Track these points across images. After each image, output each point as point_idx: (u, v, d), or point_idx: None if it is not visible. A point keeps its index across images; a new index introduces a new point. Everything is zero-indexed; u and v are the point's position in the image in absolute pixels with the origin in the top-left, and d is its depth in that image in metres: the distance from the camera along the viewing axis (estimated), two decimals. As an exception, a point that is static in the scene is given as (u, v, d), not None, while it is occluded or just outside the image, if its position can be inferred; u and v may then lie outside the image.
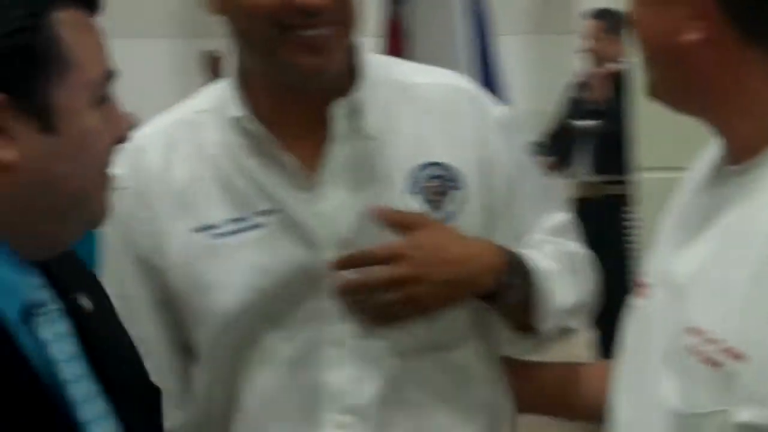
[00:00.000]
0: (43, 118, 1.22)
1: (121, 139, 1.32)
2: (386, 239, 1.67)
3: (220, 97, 1.75)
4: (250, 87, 1.72)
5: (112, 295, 1.67)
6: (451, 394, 1.73)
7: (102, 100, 1.28)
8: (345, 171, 1.70)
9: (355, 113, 1.70)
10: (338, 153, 1.70)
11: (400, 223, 1.68)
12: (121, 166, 1.69)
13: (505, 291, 1.69)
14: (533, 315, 1.72)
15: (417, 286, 1.66)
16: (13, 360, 1.20)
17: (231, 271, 1.67)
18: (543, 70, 8.43)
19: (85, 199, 1.30)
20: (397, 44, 3.55)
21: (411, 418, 1.71)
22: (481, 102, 1.81)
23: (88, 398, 1.28)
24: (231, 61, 1.75)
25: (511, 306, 1.71)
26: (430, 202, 1.72)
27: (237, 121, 1.70)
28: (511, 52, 5.48)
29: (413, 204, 1.71)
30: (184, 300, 1.71)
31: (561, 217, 1.85)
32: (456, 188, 1.73)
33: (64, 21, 1.25)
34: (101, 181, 1.32)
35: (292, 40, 1.61)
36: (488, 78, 3.58)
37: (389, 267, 1.66)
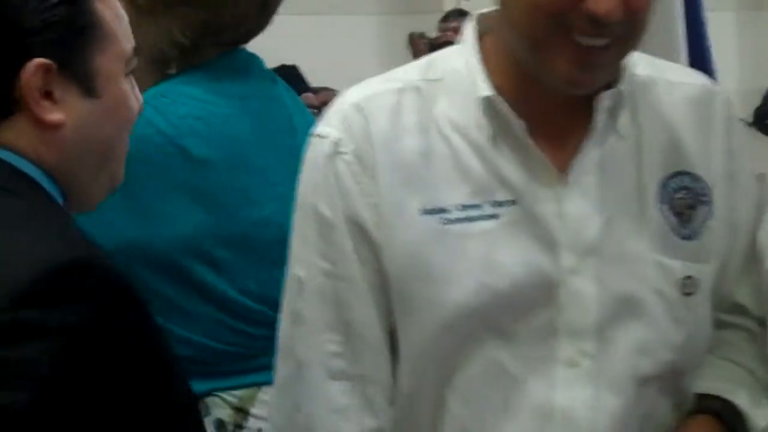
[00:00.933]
0: (86, 84, 1.36)
1: (139, 111, 1.46)
2: (632, 249, 1.54)
3: (455, 69, 1.56)
4: (495, 63, 1.54)
5: (320, 272, 1.55)
6: (669, 426, 1.59)
7: (131, 72, 1.43)
8: (597, 171, 1.53)
9: (615, 108, 1.54)
10: (593, 150, 1.53)
11: None
12: (338, 128, 1.55)
13: None
14: None
15: None
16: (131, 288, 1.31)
17: (461, 263, 1.50)
18: (759, 47, 8.21)
19: (115, 160, 1.44)
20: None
21: None
22: (731, 109, 1.64)
23: None
24: (471, 30, 1.58)
25: None
26: (678, 215, 1.57)
27: (486, 101, 1.51)
28: (725, 29, 5.36)
29: (665, 215, 1.56)
30: (402, 286, 1.52)
31: None
32: (703, 203, 1.58)
33: None
34: (125, 146, 1.46)
35: (567, 44, 1.44)
36: (698, 55, 3.51)
37: None
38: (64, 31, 1.33)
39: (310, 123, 1.77)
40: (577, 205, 1.51)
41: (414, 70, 1.59)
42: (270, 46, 2.37)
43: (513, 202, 1.50)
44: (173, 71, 1.98)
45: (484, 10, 1.58)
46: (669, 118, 1.59)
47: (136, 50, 1.45)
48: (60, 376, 1.16)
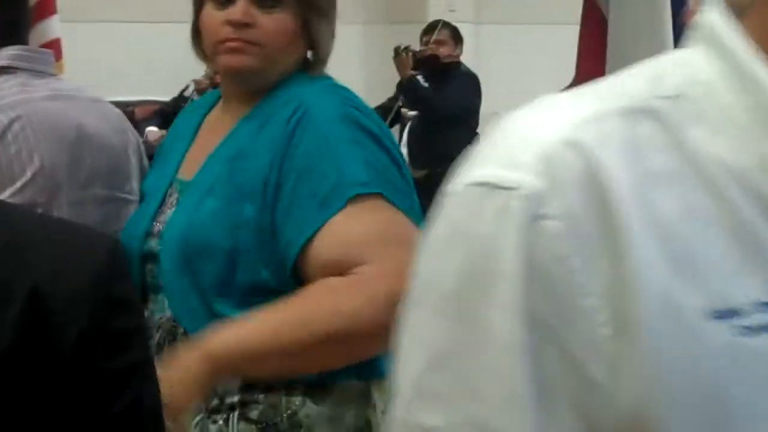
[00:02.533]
0: None
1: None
2: None
3: (704, 80, 0.87)
4: None
5: (471, 425, 0.82)
6: None
7: None
8: None
9: None
10: None
11: None
12: (534, 173, 0.81)
13: None
14: None
15: None
16: None
17: None
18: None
19: None
20: (595, 33, 3.11)
21: None
22: None
23: None
24: (719, 16, 0.87)
25: None
26: None
27: None
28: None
29: None
30: None
31: None
32: None
33: None
34: None
35: None
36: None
37: None
38: None
39: None
40: None
41: (636, 80, 0.89)
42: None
43: None
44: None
45: None
46: None
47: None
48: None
